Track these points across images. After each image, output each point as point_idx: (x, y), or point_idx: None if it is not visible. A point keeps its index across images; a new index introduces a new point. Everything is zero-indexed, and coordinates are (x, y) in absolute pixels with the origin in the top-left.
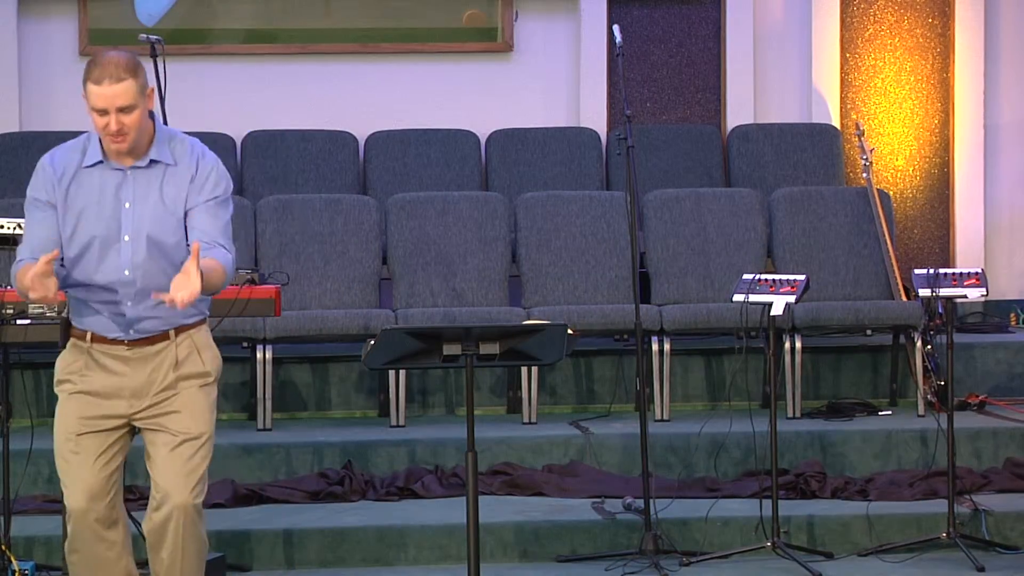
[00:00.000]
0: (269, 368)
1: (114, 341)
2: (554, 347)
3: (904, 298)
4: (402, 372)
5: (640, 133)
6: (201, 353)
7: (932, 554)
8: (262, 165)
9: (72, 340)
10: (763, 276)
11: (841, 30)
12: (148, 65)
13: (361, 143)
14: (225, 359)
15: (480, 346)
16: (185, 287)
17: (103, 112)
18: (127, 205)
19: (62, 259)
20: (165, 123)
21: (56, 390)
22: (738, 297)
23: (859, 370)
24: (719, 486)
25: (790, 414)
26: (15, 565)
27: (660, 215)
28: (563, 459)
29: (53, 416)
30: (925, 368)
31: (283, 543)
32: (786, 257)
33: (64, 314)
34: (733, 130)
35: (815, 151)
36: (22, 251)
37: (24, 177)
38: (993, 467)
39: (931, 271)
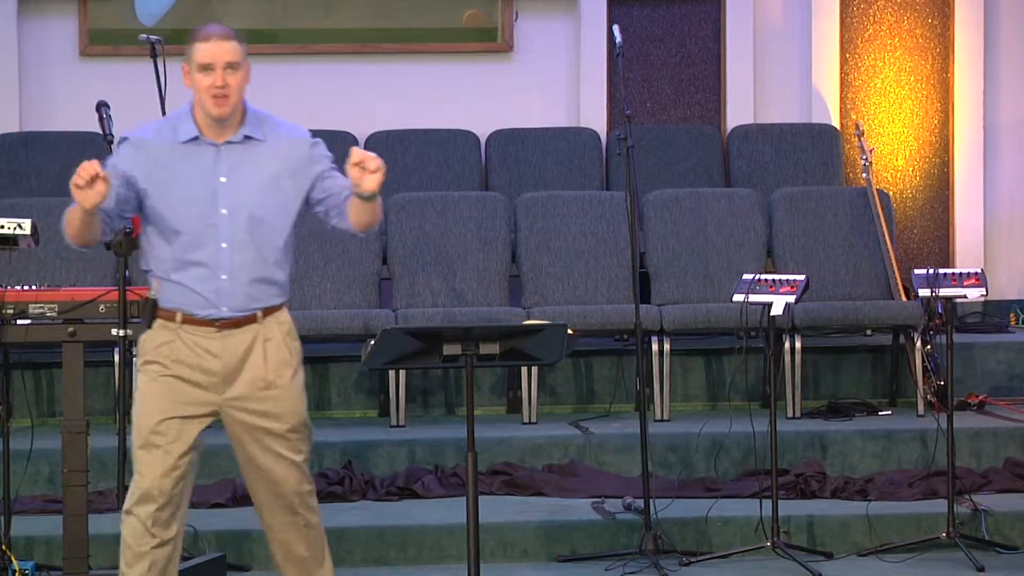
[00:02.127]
0: None
1: (204, 321)
2: (554, 347)
3: (904, 298)
4: (402, 372)
5: (640, 133)
6: (287, 337)
7: (932, 554)
8: None
9: (160, 321)
10: (763, 276)
11: (841, 30)
12: (148, 65)
13: (361, 143)
14: None
15: (480, 346)
16: (374, 157)
17: (209, 69)
18: (223, 180)
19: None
20: None
21: (140, 369)
22: (738, 297)
23: (859, 370)
24: (719, 486)
25: (790, 414)
26: (15, 565)
27: (660, 215)
28: (563, 459)
29: (53, 416)
30: (925, 368)
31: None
32: (786, 257)
33: (150, 294)
34: (733, 130)
35: (815, 151)
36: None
37: (24, 177)
38: (993, 467)
39: (931, 271)
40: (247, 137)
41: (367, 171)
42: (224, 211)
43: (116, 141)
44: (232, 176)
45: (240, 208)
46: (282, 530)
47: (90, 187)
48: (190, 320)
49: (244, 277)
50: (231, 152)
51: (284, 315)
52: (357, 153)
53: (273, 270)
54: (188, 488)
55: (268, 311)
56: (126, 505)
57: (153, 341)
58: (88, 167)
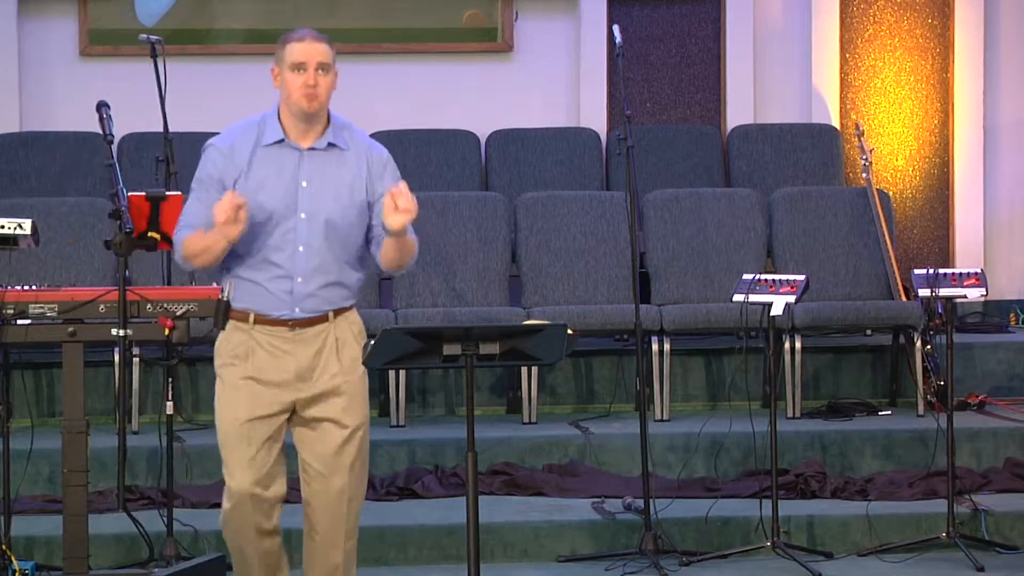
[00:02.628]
0: None
1: (277, 322)
2: (554, 347)
3: (904, 298)
4: (402, 372)
5: (640, 133)
6: (356, 338)
7: (932, 554)
8: None
9: (233, 323)
10: (763, 276)
11: (841, 30)
12: (148, 65)
13: None
14: None
15: (480, 346)
16: (409, 197)
17: (301, 68)
18: (304, 184)
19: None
20: (165, 123)
21: (218, 372)
22: (738, 297)
23: (859, 370)
24: (719, 486)
25: (790, 414)
26: (15, 565)
27: (660, 215)
28: (563, 459)
29: (53, 416)
30: (925, 368)
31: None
32: (786, 257)
33: (223, 296)
34: (733, 130)
35: (815, 151)
36: (183, 224)
37: (24, 177)
38: (993, 467)
39: (931, 271)
40: (330, 144)
41: (396, 208)
42: (303, 215)
43: (203, 147)
44: (312, 181)
45: (318, 213)
46: (327, 533)
47: (235, 220)
48: (263, 320)
49: (318, 280)
50: (313, 158)
51: (354, 315)
52: (398, 187)
53: (346, 274)
54: (281, 481)
55: (339, 312)
56: (224, 508)
57: (228, 343)
58: (229, 202)
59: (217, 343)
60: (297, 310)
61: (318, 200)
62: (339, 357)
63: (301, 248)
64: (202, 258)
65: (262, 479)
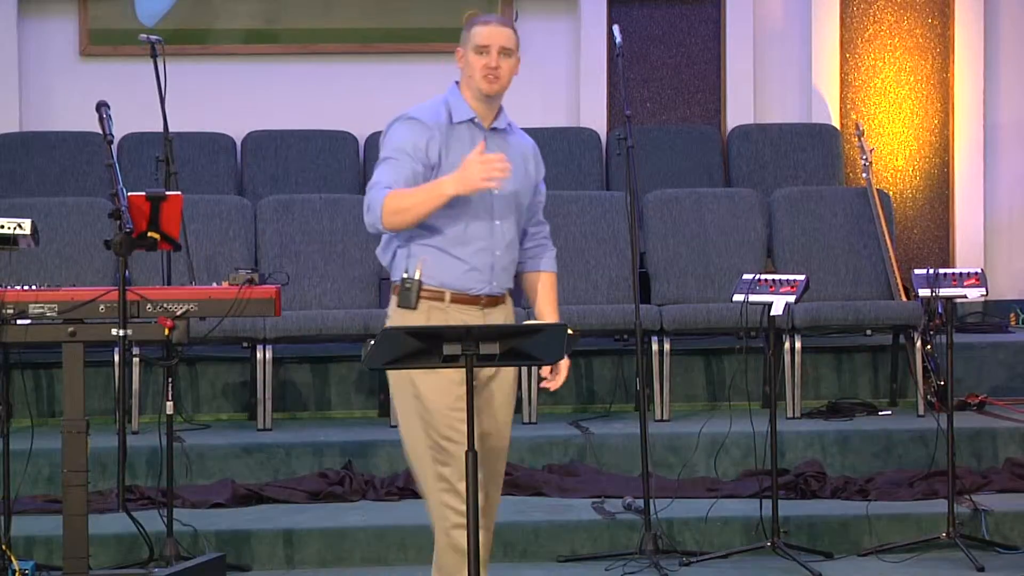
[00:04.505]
0: (269, 368)
1: (471, 299)
2: (554, 347)
3: (904, 298)
4: None
5: (640, 133)
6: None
7: (932, 554)
8: (262, 165)
9: (427, 302)
10: (763, 276)
11: (841, 30)
12: (148, 65)
13: (361, 143)
14: (225, 359)
15: (480, 346)
16: (561, 376)
17: (484, 50)
18: None
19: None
20: (165, 123)
21: None
22: (738, 297)
23: (859, 370)
24: (719, 486)
25: (790, 414)
26: (15, 565)
27: (660, 215)
28: (563, 459)
29: (53, 416)
30: (925, 368)
31: (283, 543)
32: (786, 257)
33: (410, 274)
34: (733, 130)
35: (815, 151)
36: (381, 183)
37: (24, 177)
38: (993, 467)
39: (931, 271)
40: (509, 125)
41: (557, 377)
42: (496, 191)
43: (393, 119)
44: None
45: (508, 189)
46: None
47: (498, 171)
48: (458, 298)
49: (511, 254)
50: (496, 137)
51: (510, 298)
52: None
53: (518, 251)
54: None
55: (509, 291)
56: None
57: (420, 323)
58: (492, 157)
59: (410, 323)
60: (494, 283)
61: (507, 177)
62: None
63: (498, 222)
64: (404, 216)
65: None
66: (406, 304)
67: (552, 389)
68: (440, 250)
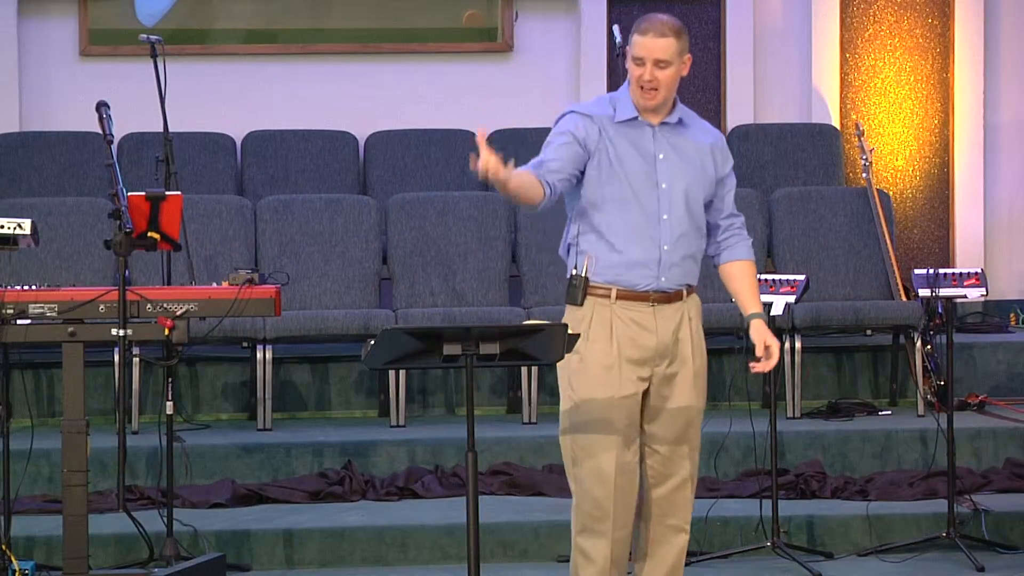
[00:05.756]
0: (269, 368)
1: (639, 295)
2: (554, 347)
3: (904, 298)
4: (402, 372)
5: None
6: (701, 319)
7: (932, 554)
8: (262, 165)
9: (592, 299)
10: (763, 276)
11: (841, 30)
12: (148, 65)
13: (361, 143)
14: (225, 359)
15: (480, 346)
16: (774, 358)
17: (640, 62)
18: (660, 156)
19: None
20: (165, 123)
21: (577, 350)
22: None
23: (859, 370)
24: (719, 486)
25: (790, 414)
26: (15, 565)
27: None
28: None
29: (53, 416)
30: (925, 368)
31: (283, 543)
32: (786, 257)
33: (578, 271)
34: (733, 130)
35: (815, 151)
36: (535, 160)
37: (24, 177)
38: (993, 467)
39: (931, 271)
40: (681, 120)
41: (768, 359)
42: (664, 186)
43: (564, 111)
44: (668, 155)
45: (676, 184)
46: (656, 532)
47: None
48: (625, 295)
49: (681, 250)
50: (664, 132)
51: (697, 296)
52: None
53: (698, 247)
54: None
55: (691, 289)
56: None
57: (586, 320)
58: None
59: (577, 320)
60: (663, 279)
61: (676, 172)
62: (692, 338)
63: (665, 216)
64: (521, 195)
65: (629, 465)
66: (572, 301)
67: (764, 371)
68: (606, 246)
